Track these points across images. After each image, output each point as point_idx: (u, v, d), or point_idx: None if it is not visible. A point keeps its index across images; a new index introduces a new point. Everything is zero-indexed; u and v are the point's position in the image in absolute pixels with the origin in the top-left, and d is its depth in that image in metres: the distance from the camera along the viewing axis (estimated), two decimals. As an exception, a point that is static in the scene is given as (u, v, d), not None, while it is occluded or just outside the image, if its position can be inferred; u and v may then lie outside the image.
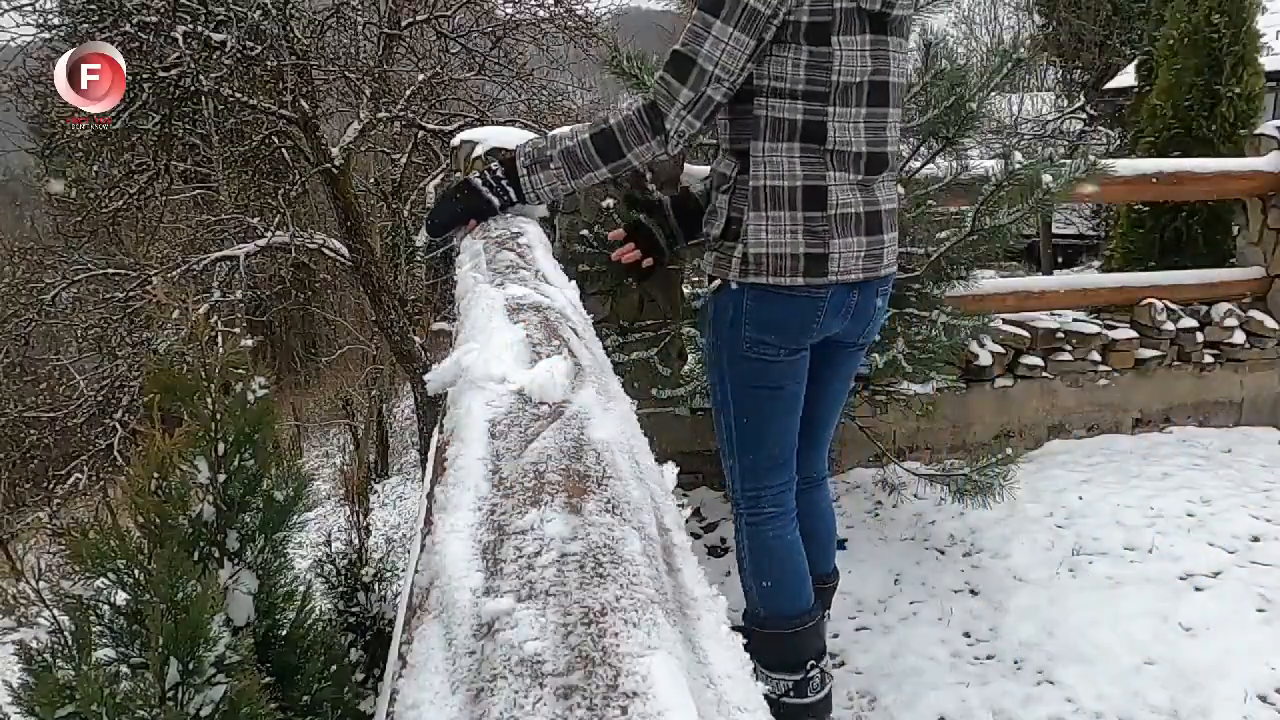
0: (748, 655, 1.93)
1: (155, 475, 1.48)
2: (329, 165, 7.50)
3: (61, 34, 7.21)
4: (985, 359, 3.64)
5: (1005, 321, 3.72)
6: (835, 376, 2.06)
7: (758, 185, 1.76)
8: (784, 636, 1.95)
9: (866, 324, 1.93)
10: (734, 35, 1.64)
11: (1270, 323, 4.05)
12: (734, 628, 2.03)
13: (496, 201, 1.77)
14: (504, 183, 1.78)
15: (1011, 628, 2.55)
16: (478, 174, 1.80)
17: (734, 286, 1.83)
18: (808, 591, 2.01)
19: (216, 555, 1.57)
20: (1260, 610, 2.57)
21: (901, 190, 2.66)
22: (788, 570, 1.98)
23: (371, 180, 11.41)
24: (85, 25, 7.08)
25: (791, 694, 1.95)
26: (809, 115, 1.71)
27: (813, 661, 1.97)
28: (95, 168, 7.98)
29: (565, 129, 1.80)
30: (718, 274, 1.86)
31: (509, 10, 9.49)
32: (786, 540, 1.99)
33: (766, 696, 1.93)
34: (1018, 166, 2.73)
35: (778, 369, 1.88)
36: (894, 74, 1.77)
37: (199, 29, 6.67)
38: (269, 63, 6.98)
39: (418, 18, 8.56)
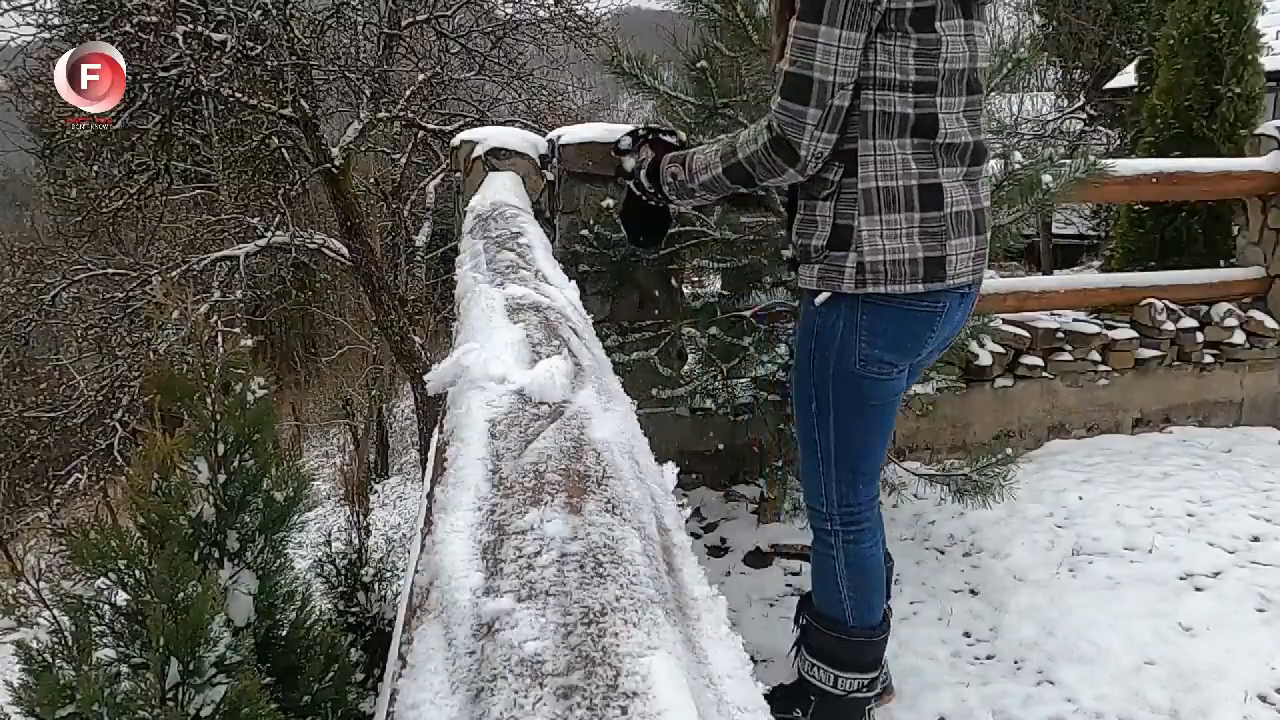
0: (821, 660, 1.97)
1: (155, 475, 1.48)
2: (329, 165, 7.50)
3: (61, 34, 7.22)
4: (985, 359, 3.64)
5: (1005, 321, 3.72)
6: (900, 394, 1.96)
7: (869, 187, 1.64)
8: (865, 643, 1.98)
9: (955, 329, 1.84)
10: (844, 35, 1.54)
11: (1270, 323, 4.05)
12: (805, 628, 2.02)
13: (656, 202, 1.99)
14: (654, 193, 1.96)
15: (1011, 628, 2.55)
16: (636, 188, 2.01)
17: (846, 299, 1.71)
18: (885, 602, 2.03)
19: (216, 555, 1.57)
20: (1260, 610, 2.57)
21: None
22: (878, 583, 1.99)
23: (371, 180, 11.41)
24: (85, 25, 7.09)
25: (865, 689, 1.99)
26: (920, 108, 1.61)
27: (883, 665, 2.03)
28: (95, 168, 7.98)
29: (700, 156, 1.82)
30: (825, 287, 1.72)
31: (509, 10, 9.50)
32: (878, 553, 1.99)
33: (828, 691, 1.97)
34: (1018, 166, 2.73)
35: (886, 386, 1.80)
36: (981, 60, 1.69)
37: (199, 29, 6.67)
38: (269, 63, 6.98)
39: (418, 18, 8.57)
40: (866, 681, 1.99)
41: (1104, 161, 3.04)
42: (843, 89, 1.58)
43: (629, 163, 2.02)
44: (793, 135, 1.61)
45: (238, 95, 7.11)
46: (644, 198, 1.99)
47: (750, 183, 1.77)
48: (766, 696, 2.12)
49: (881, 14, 1.56)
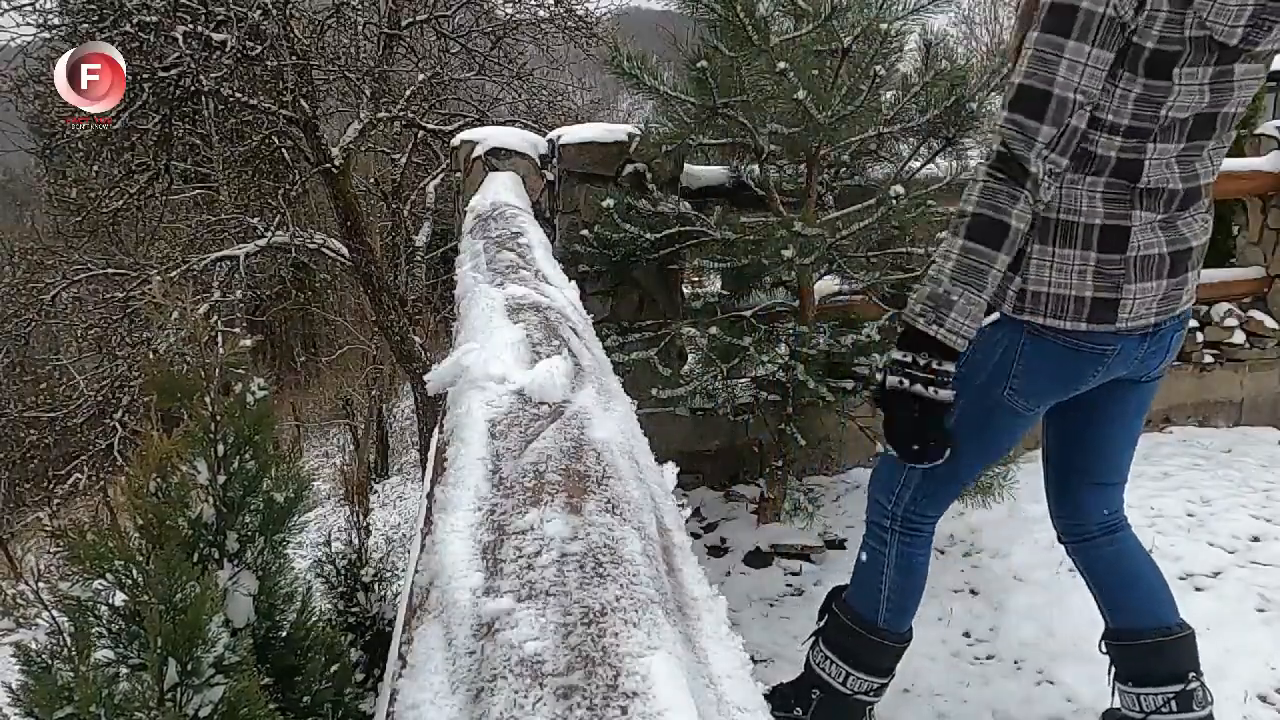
0: (838, 654, 1.92)
1: (155, 476, 1.48)
2: (329, 165, 7.50)
3: (61, 34, 7.21)
4: (985, 359, 3.64)
5: (1005, 321, 3.72)
6: (1128, 413, 1.86)
7: (1049, 218, 1.57)
8: (888, 648, 1.95)
9: (1161, 359, 1.76)
10: (1093, 53, 1.43)
11: (1270, 323, 4.05)
12: (829, 619, 1.96)
13: (946, 393, 1.54)
14: (932, 363, 1.53)
15: (1011, 628, 2.55)
16: (898, 380, 1.55)
17: (1012, 323, 1.65)
18: (913, 614, 1.98)
19: (216, 556, 1.57)
20: (1260, 610, 2.57)
21: (901, 190, 2.66)
22: (918, 591, 1.95)
23: (371, 180, 11.41)
24: (85, 25, 7.08)
25: (872, 694, 1.97)
26: (1125, 152, 1.53)
27: (891, 670, 1.98)
28: (95, 168, 7.98)
29: (934, 264, 1.55)
30: (993, 303, 1.64)
31: (509, 10, 9.50)
32: (927, 562, 1.94)
33: (837, 690, 1.95)
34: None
35: (1019, 422, 1.73)
36: (1231, 105, 1.56)
37: (199, 29, 6.67)
38: (269, 63, 6.98)
39: (418, 18, 8.57)
40: (875, 686, 1.97)
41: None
42: (1082, 109, 1.47)
43: (890, 380, 1.59)
44: (1020, 150, 1.47)
45: (238, 95, 7.11)
46: (914, 383, 1.55)
47: (998, 231, 1.48)
48: (766, 695, 2.10)
49: (1134, 39, 1.44)
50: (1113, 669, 1.94)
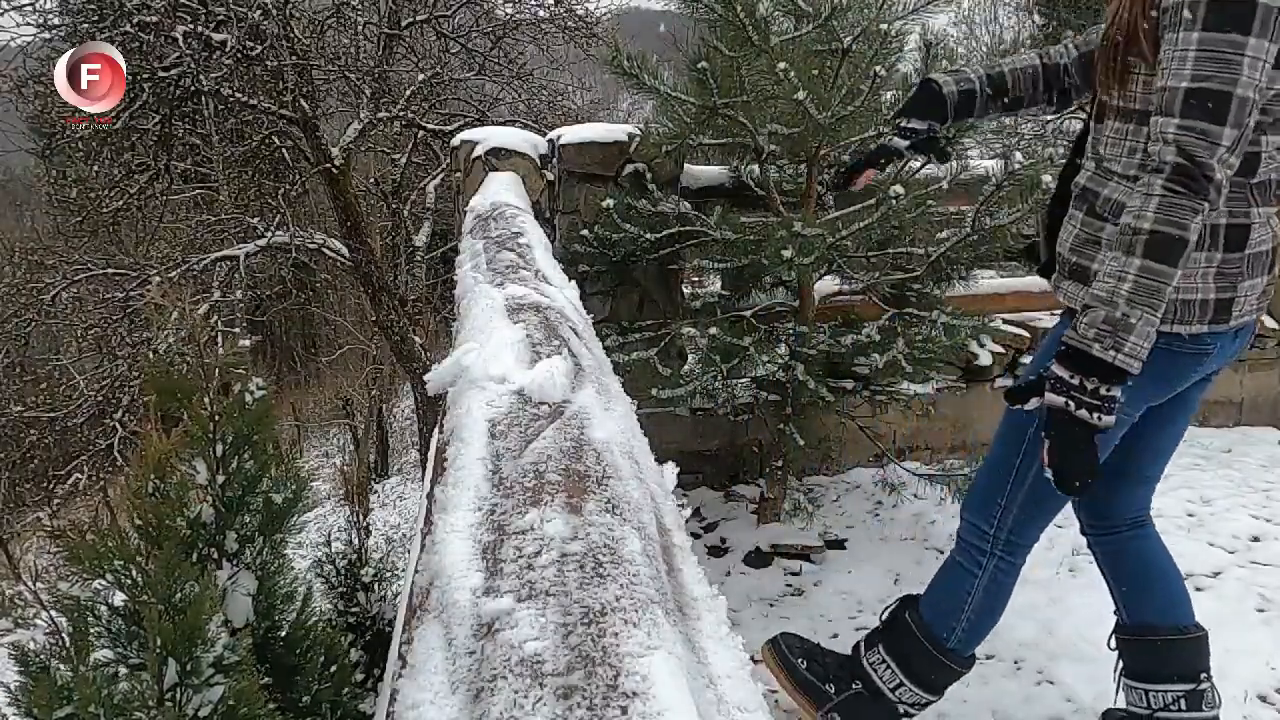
0: (897, 662, 1.91)
1: (154, 476, 1.48)
2: (329, 165, 7.50)
3: (61, 34, 7.21)
4: (985, 359, 3.64)
5: (1005, 321, 3.72)
6: (1184, 407, 1.82)
7: None
8: (950, 670, 1.92)
9: (1234, 354, 1.71)
10: (1270, 49, 1.36)
11: (1270, 323, 4.05)
12: (898, 626, 1.93)
13: (1109, 419, 1.45)
14: (1100, 388, 1.43)
15: (1011, 628, 2.55)
16: (1065, 401, 1.46)
17: None
18: (983, 639, 1.95)
19: (215, 556, 1.56)
20: (1260, 610, 2.57)
21: (901, 190, 2.66)
22: (996, 617, 1.91)
23: (371, 180, 11.41)
24: (85, 25, 7.08)
25: (914, 707, 1.95)
26: (1249, 146, 1.47)
27: (943, 691, 1.96)
28: (95, 168, 7.98)
29: (1101, 285, 1.44)
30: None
31: (509, 10, 9.50)
32: (1011, 589, 1.90)
33: (882, 693, 1.93)
34: (1018, 166, 2.73)
35: (1118, 429, 1.64)
36: None
37: (199, 29, 6.67)
38: (269, 63, 6.97)
39: (418, 18, 8.57)
40: (923, 701, 1.94)
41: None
42: (1257, 108, 1.41)
43: (1055, 400, 1.49)
44: (1204, 156, 1.37)
45: (238, 95, 7.11)
46: (1079, 408, 1.45)
47: (1179, 247, 1.39)
48: (804, 651, 1.99)
49: None
50: (1120, 664, 1.93)
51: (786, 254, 2.55)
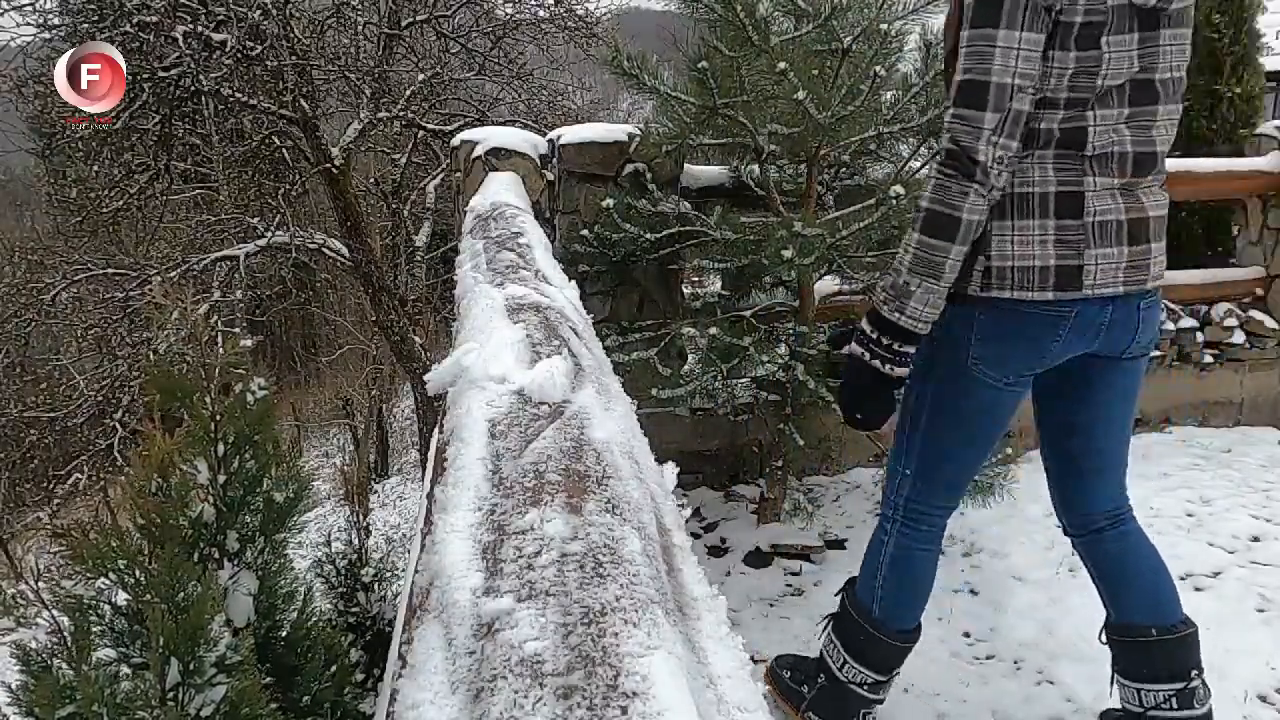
0: (839, 640, 1.96)
1: (155, 476, 1.48)
2: (329, 165, 7.50)
3: (61, 34, 7.21)
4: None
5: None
6: (1112, 397, 1.85)
7: (1004, 194, 1.63)
8: (884, 643, 1.96)
9: (1132, 336, 1.75)
10: (1024, 36, 1.52)
11: (1270, 323, 4.05)
12: (841, 609, 1.99)
13: (901, 370, 1.69)
14: (894, 344, 1.67)
15: (1011, 628, 2.55)
16: (862, 351, 1.71)
17: (971, 299, 1.69)
18: (921, 612, 1.99)
19: (216, 556, 1.57)
20: (1260, 610, 2.57)
21: (901, 190, 2.66)
22: (919, 591, 1.97)
23: (371, 180, 11.41)
24: (85, 25, 7.08)
25: (866, 688, 1.98)
26: (1068, 123, 1.60)
27: (895, 670, 2.00)
28: (95, 168, 7.98)
29: (898, 252, 1.67)
30: (956, 287, 1.68)
31: (509, 10, 9.50)
32: (930, 561, 1.96)
33: (835, 677, 1.97)
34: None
35: (989, 395, 1.75)
36: (1163, 70, 1.64)
37: (199, 29, 6.67)
38: (269, 63, 6.97)
39: (418, 18, 8.57)
40: (870, 680, 1.97)
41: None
42: (1022, 92, 1.55)
43: (855, 349, 1.76)
44: (967, 141, 1.55)
45: (238, 95, 7.11)
46: (874, 358, 1.70)
47: (950, 225, 1.58)
48: (788, 664, 2.10)
49: (1052, 23, 1.54)
50: (1115, 664, 1.94)
51: (787, 254, 2.55)
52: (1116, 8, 1.56)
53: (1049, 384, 1.85)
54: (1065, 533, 2.01)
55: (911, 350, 1.67)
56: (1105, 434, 1.89)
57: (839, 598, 2.07)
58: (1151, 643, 1.86)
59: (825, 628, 2.08)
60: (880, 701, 2.02)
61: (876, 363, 1.69)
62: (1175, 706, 1.84)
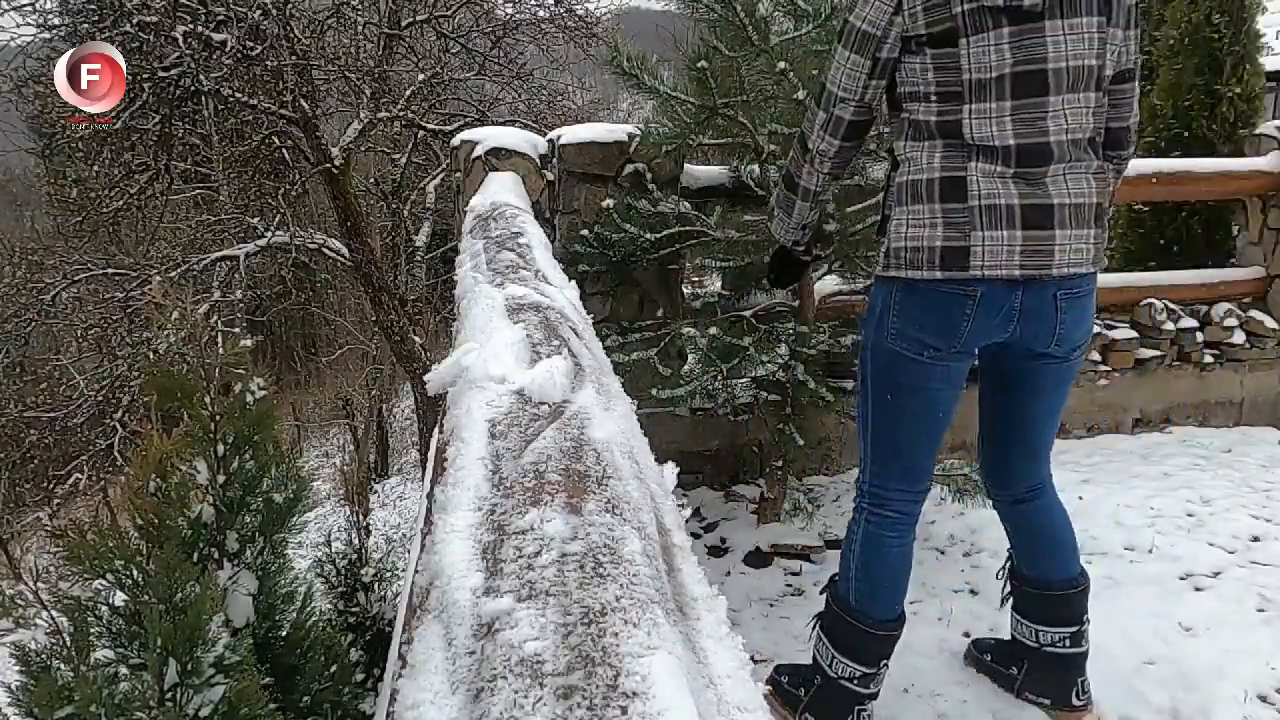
0: (826, 636, 2.03)
1: (154, 476, 1.48)
2: (329, 165, 7.50)
3: (61, 34, 7.21)
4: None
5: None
6: (1034, 391, 1.97)
7: (901, 181, 1.81)
8: (866, 633, 2.00)
9: (1052, 329, 1.81)
10: (850, 58, 1.80)
11: (1270, 323, 4.05)
12: (825, 606, 2.07)
13: (796, 253, 2.30)
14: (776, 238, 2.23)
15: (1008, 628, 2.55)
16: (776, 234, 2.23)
17: (884, 280, 1.87)
18: (901, 602, 2.03)
19: (216, 556, 1.57)
20: (1260, 610, 2.57)
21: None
22: (893, 579, 2.01)
23: (371, 180, 11.41)
24: (85, 25, 7.08)
25: (856, 682, 2.01)
26: (943, 115, 1.75)
27: (884, 662, 2.03)
28: (95, 168, 7.97)
29: (774, 189, 2.08)
30: (875, 270, 1.93)
31: (509, 10, 9.50)
32: (902, 549, 2.01)
33: (827, 675, 2.01)
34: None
35: (918, 369, 1.85)
36: (1056, 60, 1.68)
37: (199, 29, 6.67)
38: (269, 63, 6.97)
39: (418, 18, 8.56)
40: (859, 674, 1.99)
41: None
42: (844, 103, 1.84)
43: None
44: (806, 130, 1.93)
45: (238, 95, 7.10)
46: (785, 245, 2.25)
47: (793, 185, 2.04)
48: (786, 670, 2.16)
49: (891, 43, 1.76)
50: (1013, 601, 2.19)
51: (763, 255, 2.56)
52: (968, 12, 1.67)
53: (989, 375, 2.04)
54: (989, 497, 2.19)
55: (784, 243, 2.24)
56: (1039, 424, 2.05)
57: (824, 595, 2.13)
58: (1055, 594, 2.09)
59: (814, 627, 2.11)
60: (873, 696, 2.03)
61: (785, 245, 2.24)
62: (1068, 645, 2.10)
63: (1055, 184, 1.74)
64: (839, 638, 2.02)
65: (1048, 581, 2.10)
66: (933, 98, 1.74)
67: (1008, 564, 2.22)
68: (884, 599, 1.99)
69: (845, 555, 2.04)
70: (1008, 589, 2.21)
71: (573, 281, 1.94)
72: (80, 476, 7.82)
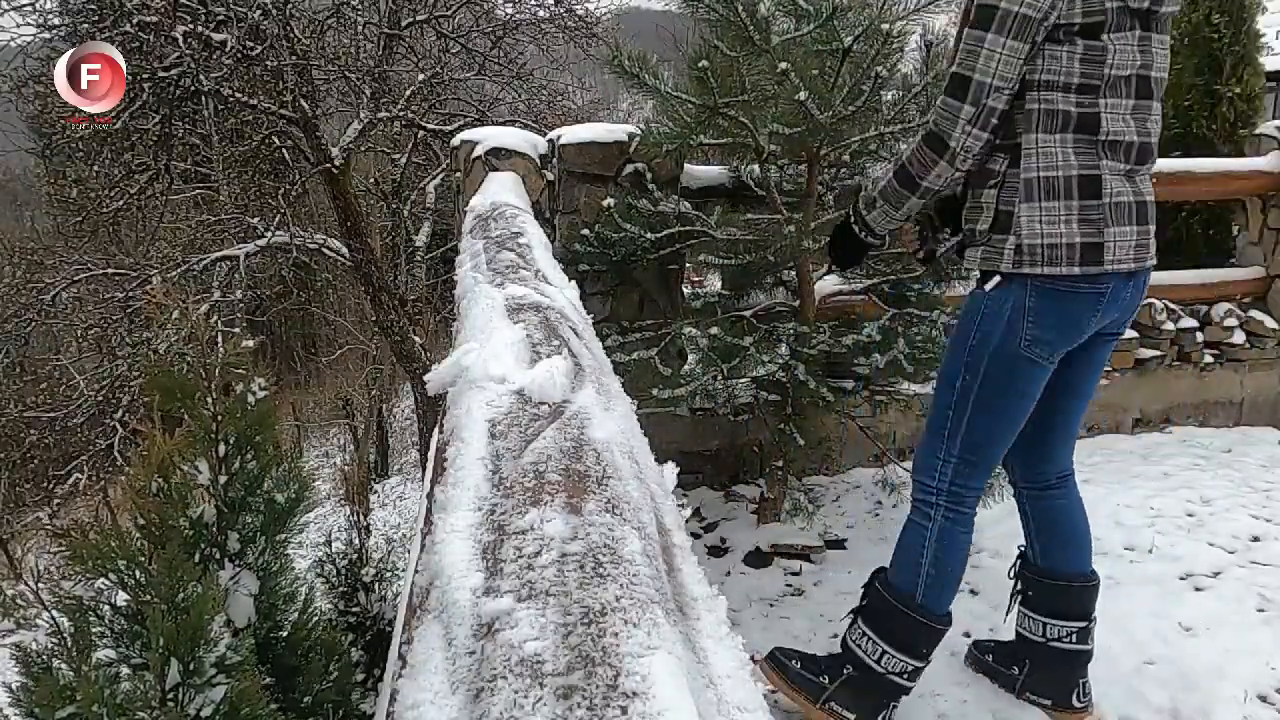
0: (875, 631, 2.04)
1: (156, 476, 1.48)
2: (329, 165, 7.50)
3: (61, 34, 7.21)
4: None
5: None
6: (1092, 365, 2.04)
7: (1030, 177, 1.79)
8: (927, 628, 2.02)
9: (1131, 312, 1.95)
10: (1008, 44, 1.73)
11: (1270, 323, 4.05)
12: (870, 596, 2.08)
13: (863, 235, 2.13)
14: (861, 221, 2.11)
15: (1011, 628, 2.55)
16: (851, 218, 2.15)
17: (1010, 280, 1.84)
18: (954, 596, 2.07)
19: (217, 556, 1.57)
20: (1260, 610, 2.57)
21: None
22: (957, 572, 2.05)
23: (371, 180, 11.41)
24: (85, 25, 7.07)
25: (905, 676, 2.03)
26: (1082, 107, 1.76)
27: (927, 654, 2.05)
28: (95, 168, 7.97)
29: (880, 172, 1.97)
30: (987, 267, 1.87)
31: (509, 10, 9.50)
32: (969, 542, 2.05)
33: (870, 669, 2.01)
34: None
35: (1038, 372, 1.89)
36: (1157, 69, 1.81)
37: (199, 29, 6.67)
38: (269, 63, 6.97)
39: (418, 18, 8.56)
40: (910, 669, 2.02)
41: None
42: (998, 92, 1.76)
43: (849, 217, 2.16)
44: (947, 127, 1.80)
45: (238, 95, 7.10)
46: (854, 227, 2.15)
47: (912, 184, 1.91)
48: (797, 659, 2.18)
49: (1049, 27, 1.72)
50: (1022, 594, 2.19)
51: (789, 230, 2.60)
52: (1114, 9, 1.72)
53: None
54: (1016, 487, 2.20)
55: (869, 230, 2.11)
56: (1075, 403, 2.09)
57: (868, 588, 2.12)
58: (1070, 587, 2.12)
59: (853, 621, 2.11)
60: (909, 691, 2.06)
61: (855, 228, 2.13)
62: (1074, 641, 2.12)
63: (1144, 182, 1.85)
64: (893, 632, 2.02)
65: (1063, 574, 2.12)
66: (1073, 88, 1.75)
67: (1018, 561, 2.23)
68: (948, 594, 2.04)
69: (912, 553, 2.03)
70: (1018, 585, 2.22)
71: (573, 281, 1.94)
72: (80, 476, 7.82)
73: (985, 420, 1.94)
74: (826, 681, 2.08)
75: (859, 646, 2.06)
